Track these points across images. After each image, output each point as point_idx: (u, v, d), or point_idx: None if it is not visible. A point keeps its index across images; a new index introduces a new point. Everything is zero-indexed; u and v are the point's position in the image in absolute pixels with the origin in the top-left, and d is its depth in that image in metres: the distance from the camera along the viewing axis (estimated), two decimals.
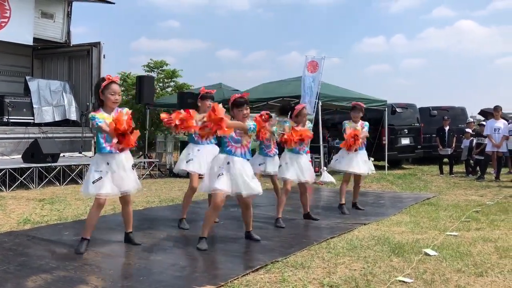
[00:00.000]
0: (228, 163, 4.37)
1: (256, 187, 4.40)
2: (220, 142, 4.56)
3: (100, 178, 4.16)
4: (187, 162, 5.34)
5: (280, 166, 5.74)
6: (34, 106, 10.83)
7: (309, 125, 5.92)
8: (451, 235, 5.06)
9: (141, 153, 12.91)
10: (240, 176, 4.34)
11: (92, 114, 4.24)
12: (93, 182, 4.16)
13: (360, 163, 6.62)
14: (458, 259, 4.10)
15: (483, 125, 12.15)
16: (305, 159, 5.74)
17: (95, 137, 4.34)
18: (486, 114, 14.32)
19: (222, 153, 4.46)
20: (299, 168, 5.64)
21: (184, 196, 5.56)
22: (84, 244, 4.26)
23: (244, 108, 4.46)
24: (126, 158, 4.34)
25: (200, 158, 5.33)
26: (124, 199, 4.45)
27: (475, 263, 3.99)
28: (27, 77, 11.37)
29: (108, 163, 4.22)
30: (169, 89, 20.72)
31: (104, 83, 4.26)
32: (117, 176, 4.25)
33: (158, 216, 6.23)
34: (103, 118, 4.17)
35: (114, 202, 6.78)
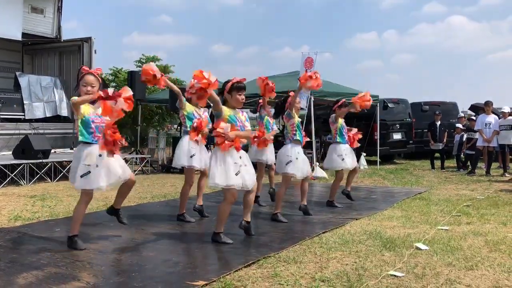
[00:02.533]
0: (240, 157, 4.37)
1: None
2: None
3: (89, 172, 4.08)
4: (190, 157, 5.30)
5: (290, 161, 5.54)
6: (24, 102, 10.74)
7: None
8: (442, 229, 5.09)
9: (133, 149, 12.86)
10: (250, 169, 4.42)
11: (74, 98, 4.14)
12: (81, 176, 4.09)
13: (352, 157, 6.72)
14: (449, 253, 4.13)
15: (474, 120, 12.22)
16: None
17: (77, 124, 4.19)
18: (477, 109, 14.41)
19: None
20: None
21: (181, 193, 5.53)
22: (79, 240, 4.22)
23: (243, 93, 4.44)
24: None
25: (202, 153, 5.37)
26: (128, 184, 4.43)
27: (466, 256, 4.02)
28: (17, 73, 11.27)
29: (100, 155, 4.14)
30: None
31: (80, 75, 4.25)
32: (113, 164, 4.20)
33: (150, 212, 6.21)
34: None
35: (105, 198, 6.77)
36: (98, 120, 4.23)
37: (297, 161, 5.49)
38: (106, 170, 4.15)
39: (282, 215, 5.63)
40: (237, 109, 4.46)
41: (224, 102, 4.41)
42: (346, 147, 6.62)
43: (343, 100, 6.82)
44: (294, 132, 5.57)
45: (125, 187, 4.51)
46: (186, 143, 5.36)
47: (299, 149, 5.58)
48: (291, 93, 5.78)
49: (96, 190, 4.19)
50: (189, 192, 5.52)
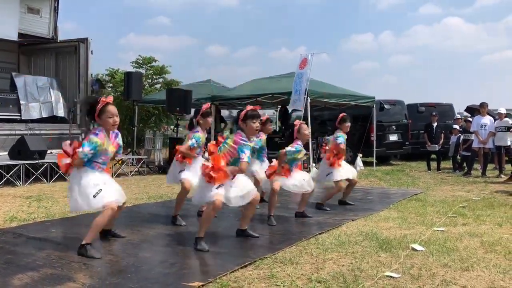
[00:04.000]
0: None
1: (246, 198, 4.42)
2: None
3: (100, 190, 4.01)
4: (179, 173, 5.39)
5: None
6: (20, 102, 10.70)
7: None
8: (438, 230, 5.11)
9: (129, 149, 12.84)
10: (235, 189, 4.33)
11: (96, 140, 4.03)
12: (94, 196, 3.99)
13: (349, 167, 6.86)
14: (445, 254, 4.14)
15: (470, 122, 12.26)
16: None
17: (90, 149, 4.05)
18: (473, 110, 14.44)
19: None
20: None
21: (178, 197, 5.52)
22: (94, 248, 4.11)
23: (258, 120, 4.44)
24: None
25: (193, 169, 5.31)
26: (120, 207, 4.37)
27: (461, 258, 4.03)
28: (13, 73, 11.23)
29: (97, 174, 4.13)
30: (157, 86, 20.59)
31: (99, 106, 4.05)
32: (116, 185, 4.25)
33: (146, 213, 6.20)
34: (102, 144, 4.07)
35: None
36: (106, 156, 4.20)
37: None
38: (113, 188, 4.18)
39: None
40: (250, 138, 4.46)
41: (242, 130, 4.44)
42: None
43: (343, 114, 6.74)
44: None
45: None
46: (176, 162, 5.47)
47: None
48: (296, 122, 5.84)
49: (116, 203, 4.09)
50: (185, 197, 5.48)
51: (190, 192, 5.33)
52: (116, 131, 4.27)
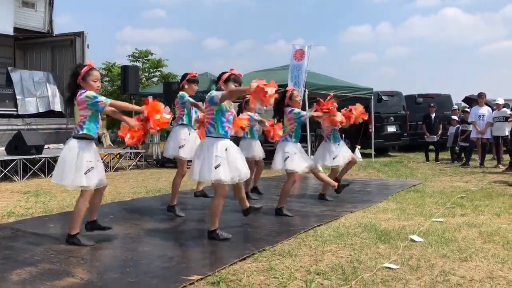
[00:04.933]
0: (226, 149, 4.25)
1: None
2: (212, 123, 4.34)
3: (92, 168, 4.06)
4: (179, 147, 5.32)
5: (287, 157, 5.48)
6: (17, 97, 10.66)
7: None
8: (436, 221, 5.11)
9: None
10: (235, 162, 4.28)
11: (91, 93, 4.07)
12: (85, 173, 4.02)
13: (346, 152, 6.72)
14: (443, 244, 4.15)
15: (468, 112, 12.26)
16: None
17: (85, 117, 4.11)
18: (471, 101, 14.45)
19: (217, 138, 4.25)
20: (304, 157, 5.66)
21: (173, 184, 5.50)
22: (83, 238, 4.18)
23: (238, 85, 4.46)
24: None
25: (192, 143, 5.34)
26: (100, 189, 4.34)
27: (460, 248, 4.04)
28: (9, 68, 11.18)
29: (94, 152, 4.17)
30: (154, 79, 20.56)
31: (84, 69, 4.12)
32: (100, 166, 4.23)
33: (145, 207, 6.19)
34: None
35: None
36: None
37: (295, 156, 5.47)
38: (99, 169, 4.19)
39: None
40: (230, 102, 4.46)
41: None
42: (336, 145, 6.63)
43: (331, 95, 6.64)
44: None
45: (98, 200, 4.43)
46: (177, 134, 5.40)
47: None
48: (289, 87, 5.80)
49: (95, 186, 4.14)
50: (180, 183, 5.49)
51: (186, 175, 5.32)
52: None
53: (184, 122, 5.41)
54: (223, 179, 4.14)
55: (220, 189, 4.27)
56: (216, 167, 4.13)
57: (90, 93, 4.07)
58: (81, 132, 4.11)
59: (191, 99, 5.37)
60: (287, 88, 5.86)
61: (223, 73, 4.47)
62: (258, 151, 6.86)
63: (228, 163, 4.20)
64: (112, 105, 4.23)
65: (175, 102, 5.49)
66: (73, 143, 4.12)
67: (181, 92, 5.41)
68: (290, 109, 5.56)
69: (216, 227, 4.37)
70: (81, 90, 4.11)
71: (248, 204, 4.82)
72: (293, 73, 11.10)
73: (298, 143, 5.62)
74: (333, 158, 6.44)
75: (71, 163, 4.04)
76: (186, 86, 5.46)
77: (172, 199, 5.51)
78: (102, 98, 4.08)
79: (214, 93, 4.28)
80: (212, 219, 4.39)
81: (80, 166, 4.02)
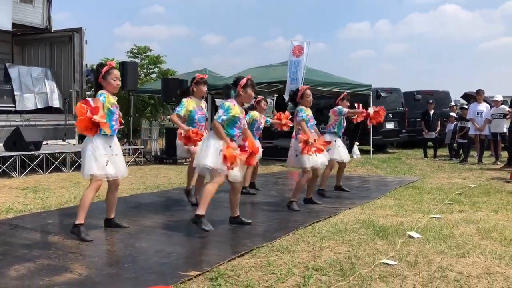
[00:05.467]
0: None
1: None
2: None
3: (107, 161, 4.20)
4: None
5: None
6: (15, 93, 10.64)
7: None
8: (434, 217, 5.12)
9: (126, 140, 12.80)
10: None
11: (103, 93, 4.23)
12: (99, 164, 4.17)
13: (343, 150, 6.79)
14: (441, 241, 4.16)
15: (466, 109, 12.26)
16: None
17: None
18: (469, 97, 14.45)
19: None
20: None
21: (188, 169, 5.69)
22: (84, 229, 4.23)
23: (253, 91, 4.66)
24: (118, 143, 4.45)
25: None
26: (116, 183, 4.48)
27: (458, 244, 4.05)
28: (7, 64, 11.14)
29: (110, 146, 4.28)
30: (153, 75, 20.52)
31: (105, 68, 4.28)
32: (117, 159, 4.34)
33: (143, 203, 6.19)
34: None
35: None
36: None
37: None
38: (113, 162, 4.31)
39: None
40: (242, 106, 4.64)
41: (229, 96, 4.57)
42: (339, 139, 6.76)
43: (345, 93, 6.92)
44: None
45: (112, 198, 4.59)
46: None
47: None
48: (301, 87, 5.98)
49: (106, 177, 4.30)
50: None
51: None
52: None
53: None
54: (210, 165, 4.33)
55: (217, 176, 4.40)
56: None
57: (101, 92, 4.24)
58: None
59: (176, 120, 5.56)
60: (299, 87, 5.90)
61: (240, 78, 4.64)
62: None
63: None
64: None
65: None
66: (89, 139, 4.25)
67: (183, 101, 5.58)
68: (298, 108, 5.64)
69: (203, 213, 4.43)
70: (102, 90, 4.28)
71: (238, 214, 4.84)
72: (292, 70, 11.09)
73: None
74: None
75: (87, 157, 4.20)
76: (194, 89, 5.60)
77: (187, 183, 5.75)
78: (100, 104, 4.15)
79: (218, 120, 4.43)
80: (202, 201, 4.45)
81: (95, 159, 4.19)
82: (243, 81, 4.58)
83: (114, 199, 4.62)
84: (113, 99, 4.33)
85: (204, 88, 5.70)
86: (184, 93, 5.82)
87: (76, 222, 4.22)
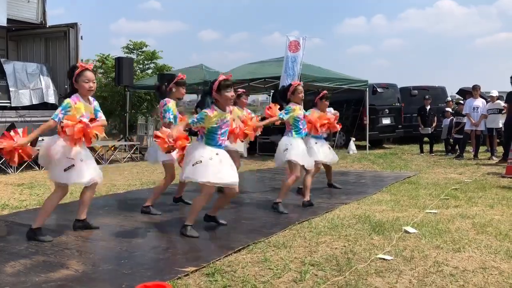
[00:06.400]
0: (217, 154, 4.14)
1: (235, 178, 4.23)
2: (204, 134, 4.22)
3: (72, 166, 4.05)
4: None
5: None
6: (10, 89, 10.55)
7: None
8: (430, 212, 5.14)
9: (121, 136, 12.78)
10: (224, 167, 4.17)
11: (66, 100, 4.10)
12: (65, 170, 4.03)
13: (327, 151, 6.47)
14: (437, 235, 4.17)
15: (462, 104, 12.29)
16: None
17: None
18: (465, 93, 14.48)
19: (209, 146, 4.16)
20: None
21: (162, 183, 5.31)
22: (43, 233, 4.12)
23: (231, 90, 4.20)
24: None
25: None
26: (92, 186, 4.35)
27: (453, 239, 4.07)
28: (2, 60, 11.05)
29: (78, 150, 4.12)
30: (149, 71, 20.45)
31: (77, 71, 4.16)
32: (90, 163, 4.23)
33: (139, 199, 6.16)
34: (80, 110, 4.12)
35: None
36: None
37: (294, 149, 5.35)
38: (86, 166, 4.16)
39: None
40: (226, 109, 4.23)
41: (217, 101, 4.19)
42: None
43: (325, 91, 6.52)
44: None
45: (87, 198, 4.41)
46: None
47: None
48: (294, 82, 5.76)
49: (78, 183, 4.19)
50: (169, 184, 5.34)
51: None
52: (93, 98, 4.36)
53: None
54: (198, 180, 4.05)
55: (205, 189, 4.16)
56: (193, 164, 4.04)
57: (66, 100, 4.14)
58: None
59: (171, 119, 5.09)
60: (291, 83, 5.76)
61: (213, 82, 4.24)
62: (240, 147, 6.39)
63: (213, 166, 4.06)
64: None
65: (160, 107, 5.22)
66: (58, 139, 4.16)
67: (168, 105, 5.12)
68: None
69: (190, 223, 4.26)
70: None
71: (216, 214, 4.67)
72: (288, 65, 11.08)
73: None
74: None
75: (54, 158, 4.08)
76: (173, 90, 5.21)
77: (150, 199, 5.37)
78: (60, 114, 4.08)
79: (197, 117, 4.11)
80: (191, 213, 4.29)
81: (61, 162, 4.05)
82: (215, 85, 4.16)
83: (89, 199, 4.45)
84: (84, 106, 4.15)
85: (184, 91, 5.34)
86: (159, 89, 5.35)
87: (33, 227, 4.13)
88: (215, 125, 4.14)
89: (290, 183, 5.34)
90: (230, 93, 4.18)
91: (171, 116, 5.09)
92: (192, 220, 4.28)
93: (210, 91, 4.23)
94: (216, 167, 4.07)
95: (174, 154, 4.77)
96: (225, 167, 4.14)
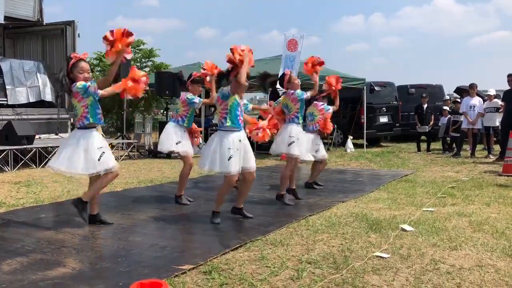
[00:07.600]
0: (240, 140, 4.46)
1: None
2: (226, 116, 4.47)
3: (103, 153, 4.21)
4: (176, 144, 5.40)
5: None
6: (7, 87, 10.52)
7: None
8: (427, 210, 5.15)
9: (119, 134, 12.75)
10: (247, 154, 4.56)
11: (80, 83, 4.16)
12: (99, 159, 4.19)
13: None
14: (434, 234, 4.18)
15: (459, 103, 12.32)
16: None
17: (87, 108, 4.26)
18: (462, 91, 14.50)
19: (229, 131, 4.44)
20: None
21: (181, 175, 5.58)
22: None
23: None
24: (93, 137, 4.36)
25: (188, 140, 5.50)
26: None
27: (450, 237, 4.08)
28: None
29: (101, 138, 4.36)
30: (146, 69, 20.41)
31: (71, 62, 4.21)
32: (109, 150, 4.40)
33: (137, 197, 6.18)
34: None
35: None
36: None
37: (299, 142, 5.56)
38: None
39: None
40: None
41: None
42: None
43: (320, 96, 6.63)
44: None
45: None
46: (173, 128, 5.46)
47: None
48: (286, 71, 5.85)
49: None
50: (189, 173, 5.62)
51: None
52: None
53: (184, 124, 5.48)
54: (232, 171, 4.37)
55: (229, 178, 4.49)
56: (228, 159, 4.34)
57: (80, 83, 4.17)
58: (86, 123, 4.25)
59: (201, 100, 5.54)
60: (284, 72, 5.92)
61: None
62: None
63: (240, 154, 4.42)
64: (102, 95, 4.34)
65: (181, 99, 5.49)
66: (78, 133, 4.27)
67: (190, 95, 5.43)
68: (291, 91, 5.62)
69: (218, 210, 4.65)
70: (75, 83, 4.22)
71: (242, 205, 4.89)
72: (287, 63, 11.07)
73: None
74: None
75: (79, 152, 4.18)
76: (190, 87, 5.52)
77: (179, 189, 5.60)
78: (90, 84, 4.18)
79: (225, 88, 4.49)
80: (217, 200, 4.67)
81: (93, 154, 4.19)
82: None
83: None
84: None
85: (200, 88, 5.61)
86: (182, 86, 5.72)
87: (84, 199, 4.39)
88: (237, 102, 4.55)
89: (288, 173, 5.58)
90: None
91: (199, 100, 5.44)
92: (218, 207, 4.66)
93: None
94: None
95: (187, 146, 5.36)
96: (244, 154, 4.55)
